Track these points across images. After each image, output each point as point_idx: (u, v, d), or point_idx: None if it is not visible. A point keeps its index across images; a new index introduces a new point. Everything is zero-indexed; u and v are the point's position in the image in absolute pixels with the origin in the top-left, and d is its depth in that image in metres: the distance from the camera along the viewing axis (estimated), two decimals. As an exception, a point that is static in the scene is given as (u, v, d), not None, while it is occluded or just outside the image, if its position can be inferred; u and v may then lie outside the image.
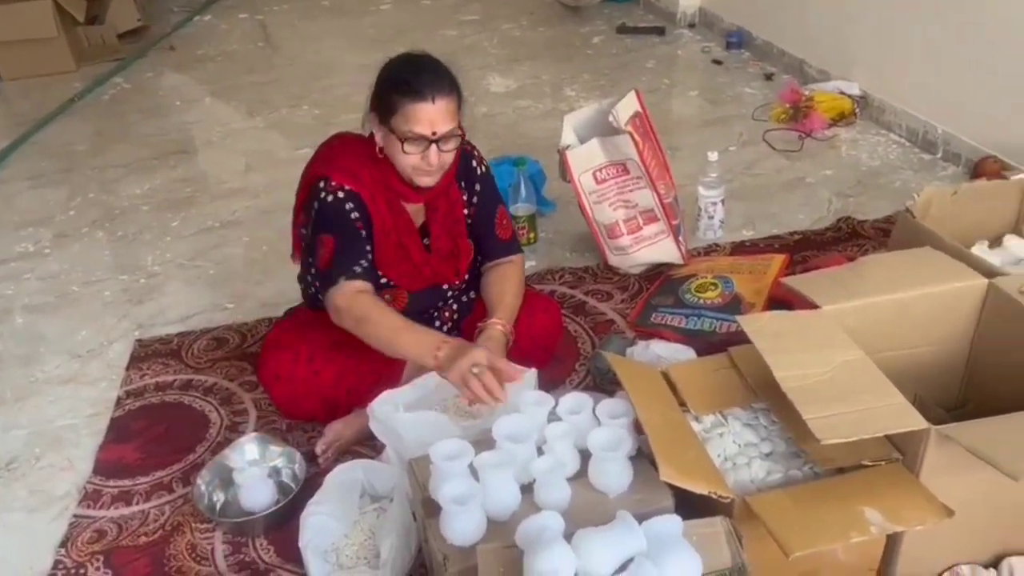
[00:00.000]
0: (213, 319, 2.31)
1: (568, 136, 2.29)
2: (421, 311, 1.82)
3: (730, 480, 1.43)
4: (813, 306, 1.55)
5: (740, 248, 2.45)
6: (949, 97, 2.82)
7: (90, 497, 1.74)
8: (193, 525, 1.64)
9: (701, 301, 2.13)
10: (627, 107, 2.29)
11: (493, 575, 1.18)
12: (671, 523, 1.18)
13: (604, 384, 1.93)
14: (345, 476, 1.61)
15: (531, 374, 1.66)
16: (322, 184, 1.67)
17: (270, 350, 1.83)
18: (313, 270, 1.73)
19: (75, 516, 1.69)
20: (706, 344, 1.96)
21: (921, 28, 2.89)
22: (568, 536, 1.17)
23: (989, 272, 1.58)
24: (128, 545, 1.62)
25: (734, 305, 2.10)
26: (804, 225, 2.56)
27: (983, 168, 2.60)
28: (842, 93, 3.22)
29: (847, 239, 2.45)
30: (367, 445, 1.77)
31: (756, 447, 1.49)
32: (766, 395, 1.47)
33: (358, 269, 1.65)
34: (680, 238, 2.32)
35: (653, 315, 2.14)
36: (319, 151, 1.76)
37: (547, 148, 2.61)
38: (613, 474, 1.34)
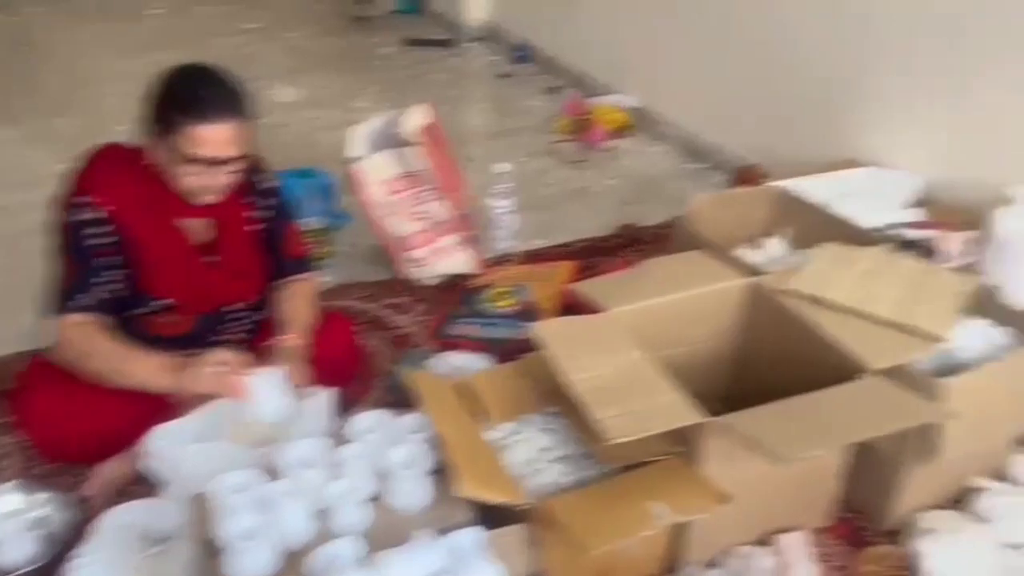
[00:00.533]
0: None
1: (356, 148, 2.25)
2: (207, 333, 1.71)
3: (529, 486, 1.45)
4: (600, 310, 1.61)
5: (532, 256, 2.51)
6: (714, 110, 3.06)
7: None
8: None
9: (497, 310, 2.16)
10: (417, 118, 2.28)
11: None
12: (471, 536, 1.18)
13: (404, 399, 1.90)
14: (119, 520, 1.47)
15: (326, 396, 1.60)
16: (74, 201, 1.52)
17: (28, 387, 1.64)
18: None
19: None
20: (504, 352, 1.98)
21: (686, 45, 3.12)
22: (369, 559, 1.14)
23: (752, 272, 1.72)
24: None
25: (529, 312, 2.14)
26: (590, 232, 2.66)
27: (743, 176, 2.83)
28: (620, 106, 3.40)
29: (629, 244, 2.58)
30: (144, 484, 1.62)
31: (551, 451, 1.52)
32: (558, 400, 1.50)
33: (85, 301, 1.52)
34: (475, 248, 2.34)
35: (451, 326, 2.14)
36: (79, 164, 1.60)
37: (340, 160, 2.55)
38: (412, 492, 1.32)
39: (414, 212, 2.24)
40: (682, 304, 1.66)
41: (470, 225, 2.34)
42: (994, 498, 1.58)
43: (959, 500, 1.63)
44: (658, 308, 1.64)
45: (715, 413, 1.37)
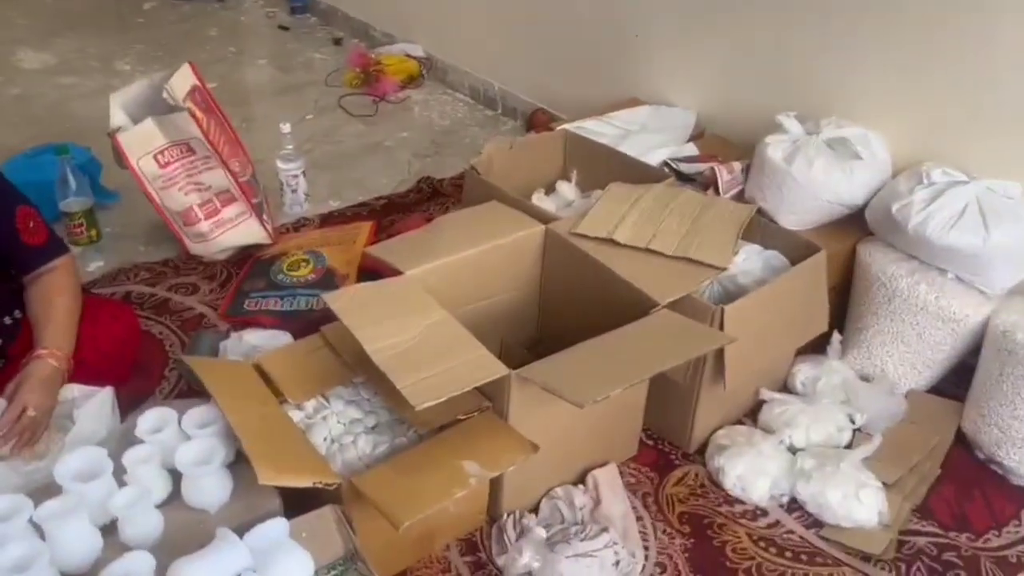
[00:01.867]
0: None
1: (118, 117, 2.04)
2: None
3: (338, 462, 1.40)
4: (397, 272, 1.57)
5: (329, 219, 2.41)
6: (500, 57, 3.05)
7: None
8: None
9: (294, 280, 2.06)
10: (183, 81, 2.10)
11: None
12: (276, 528, 1.12)
13: (201, 387, 1.78)
14: None
15: (103, 396, 1.46)
16: None
17: None
18: None
19: None
20: (305, 324, 1.89)
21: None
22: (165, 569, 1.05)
23: (545, 218, 1.73)
24: None
25: (328, 279, 2.06)
26: (388, 189, 2.59)
27: (534, 120, 2.86)
28: (408, 56, 3.31)
29: (429, 199, 2.54)
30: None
31: (361, 422, 1.48)
32: (363, 369, 1.45)
33: None
34: (264, 216, 2.21)
35: (246, 302, 2.02)
36: None
37: (101, 131, 2.32)
38: (209, 489, 1.23)
39: (190, 184, 2.08)
40: (479, 258, 1.64)
41: (256, 192, 2.20)
42: (776, 408, 1.71)
43: (754, 412, 1.75)
44: (455, 264, 1.61)
45: (524, 361, 1.37)
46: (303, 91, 3.22)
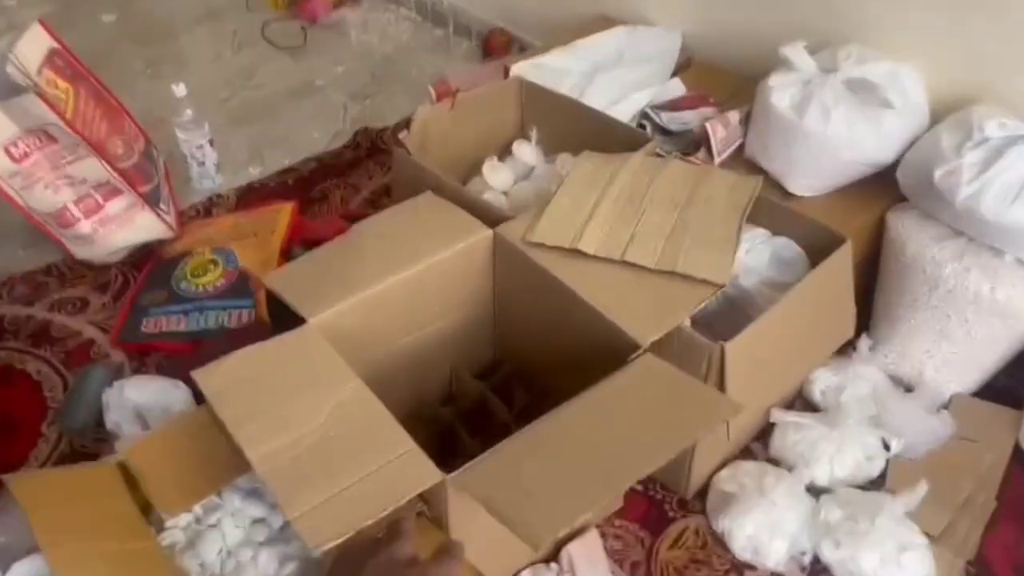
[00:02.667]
0: None
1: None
2: None
3: (236, 591, 1.09)
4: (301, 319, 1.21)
5: (247, 196, 2.01)
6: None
7: None
8: None
9: (200, 289, 1.69)
10: (33, 46, 1.67)
11: None
12: None
13: (88, 445, 1.45)
14: None
15: None
16: None
17: None
18: None
19: None
20: (217, 349, 1.54)
21: None
22: None
23: (494, 217, 1.35)
24: None
25: (241, 285, 1.69)
26: (320, 146, 2.18)
27: (490, 43, 2.42)
28: (341, -33, 2.81)
29: (368, 156, 2.13)
30: None
31: (265, 524, 1.16)
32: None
33: None
34: (161, 206, 1.81)
35: (144, 321, 1.66)
36: None
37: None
38: None
39: (58, 178, 1.67)
40: (418, 279, 1.27)
41: (148, 175, 1.80)
42: (791, 435, 1.39)
43: (764, 433, 1.44)
44: (386, 293, 1.25)
45: (472, 396, 1.03)
46: (221, 19, 2.73)
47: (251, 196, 2.00)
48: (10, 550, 1.04)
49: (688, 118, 1.63)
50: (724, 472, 1.37)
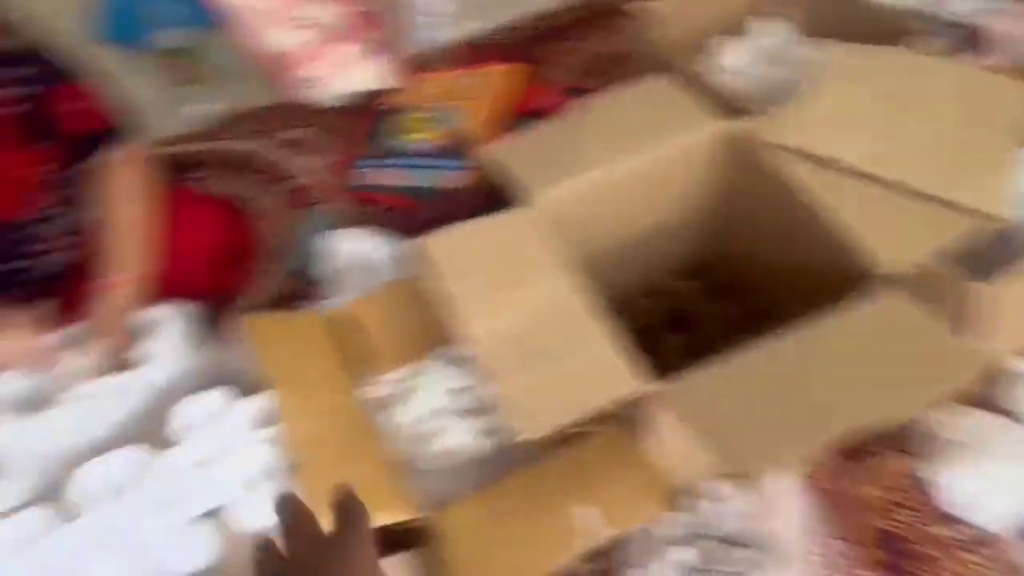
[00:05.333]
0: None
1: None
2: (12, 246, 1.31)
3: (430, 455, 1.13)
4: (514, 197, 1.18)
5: (463, 52, 1.96)
6: None
7: None
8: None
9: (415, 144, 1.70)
10: None
11: None
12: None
13: (302, 288, 1.53)
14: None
15: (177, 318, 1.25)
16: None
17: None
18: None
19: None
20: (431, 209, 1.57)
21: None
22: None
23: (732, 109, 1.24)
24: None
25: (458, 146, 1.68)
26: (548, 6, 2.07)
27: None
28: None
29: (591, 21, 2.00)
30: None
31: (463, 396, 1.18)
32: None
33: None
34: (386, 54, 1.81)
35: (361, 172, 1.70)
36: None
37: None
38: (260, 517, 1.00)
39: (295, 19, 1.70)
40: (633, 172, 1.21)
41: (375, 23, 1.79)
42: (1035, 391, 1.24)
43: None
44: (599, 183, 1.19)
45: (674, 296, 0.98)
46: None
47: (467, 56, 1.96)
48: (238, 379, 1.12)
49: (976, 7, 1.40)
50: (943, 415, 1.25)
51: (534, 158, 1.23)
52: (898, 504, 1.22)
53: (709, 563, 1.12)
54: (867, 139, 1.14)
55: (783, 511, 1.18)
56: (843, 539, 1.18)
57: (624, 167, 1.20)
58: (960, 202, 1.05)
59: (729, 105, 1.24)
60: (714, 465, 0.87)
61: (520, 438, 0.92)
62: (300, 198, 1.68)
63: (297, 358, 1.09)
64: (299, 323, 1.17)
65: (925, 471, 1.22)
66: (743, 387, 0.93)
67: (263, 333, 1.09)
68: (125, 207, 1.29)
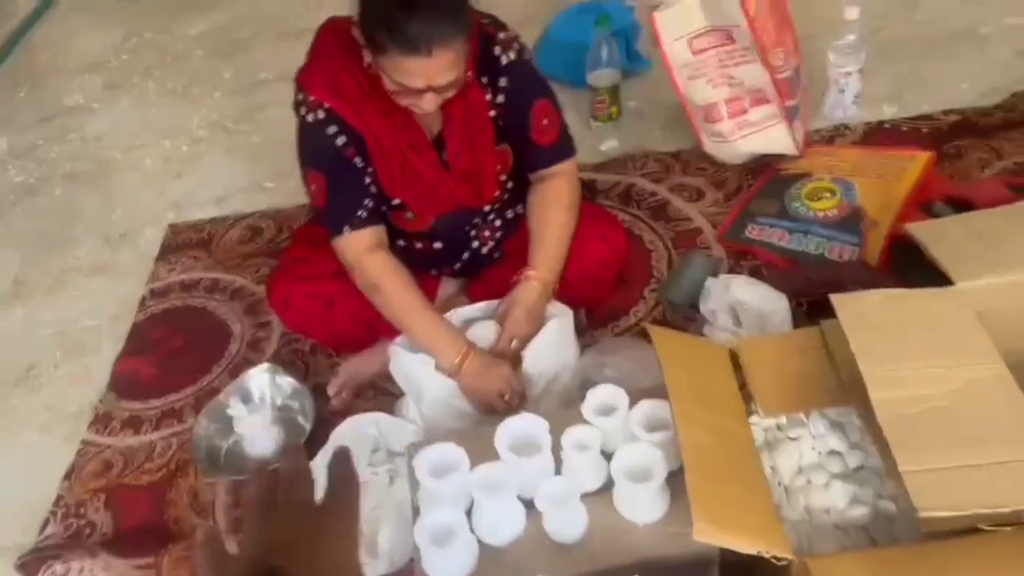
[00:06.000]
0: (251, 201, 2.09)
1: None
2: (452, 233, 1.53)
3: (800, 506, 1.13)
4: (944, 278, 1.15)
5: (876, 133, 1.95)
6: None
7: (100, 420, 1.63)
8: (198, 466, 1.51)
9: (812, 213, 1.71)
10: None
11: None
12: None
13: (677, 319, 1.61)
14: (353, 432, 1.41)
15: (561, 320, 1.38)
16: (300, 98, 1.35)
17: (278, 274, 1.58)
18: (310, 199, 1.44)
19: (83, 442, 1.60)
20: (806, 276, 1.57)
21: None
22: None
23: None
24: (131, 484, 1.51)
25: (853, 221, 1.68)
26: (968, 99, 2.00)
27: None
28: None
29: (1021, 123, 1.91)
30: (391, 382, 1.54)
31: (841, 459, 1.17)
32: (863, 396, 1.12)
33: (363, 214, 1.37)
34: (796, 122, 1.85)
35: (749, 226, 1.75)
36: (314, 38, 1.41)
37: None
38: (641, 505, 1.07)
39: (721, 76, 1.80)
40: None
41: (794, 92, 1.84)
42: None
43: None
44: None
45: None
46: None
47: (878, 135, 1.94)
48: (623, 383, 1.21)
49: None
50: None
51: (959, 244, 1.20)
52: None
53: None
54: None
55: None
56: None
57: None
58: None
59: None
60: None
61: (922, 515, 0.90)
62: (684, 240, 1.77)
63: (698, 375, 1.14)
64: (703, 346, 1.24)
65: None
66: None
67: (669, 347, 1.16)
68: (556, 213, 1.45)
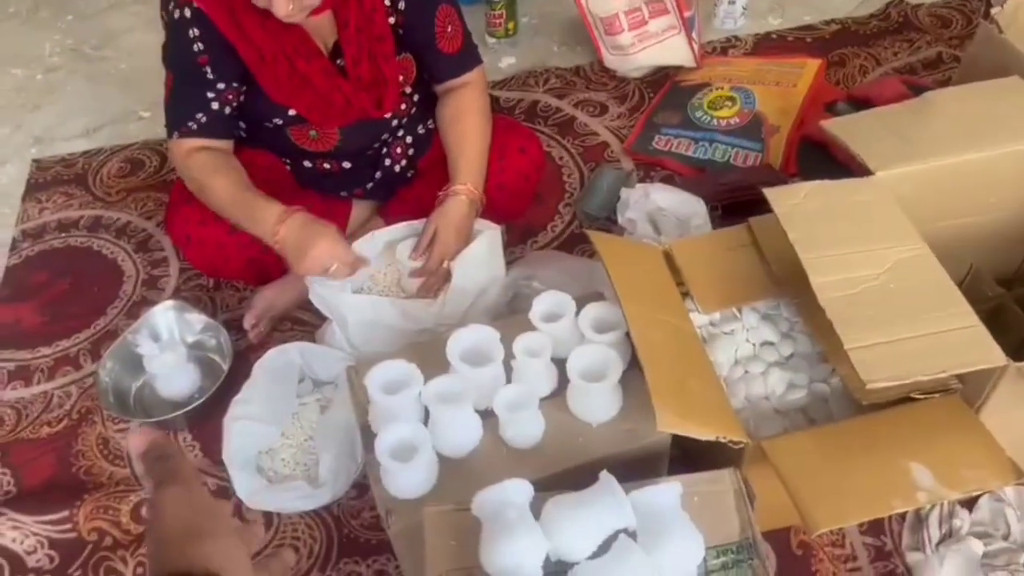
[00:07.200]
0: (126, 132, 1.92)
1: None
2: (360, 151, 1.46)
3: (740, 395, 1.18)
4: (862, 168, 1.21)
5: (764, 43, 2.01)
6: None
7: (-17, 374, 1.48)
8: (104, 413, 1.40)
9: (714, 121, 1.75)
10: None
11: (442, 547, 0.95)
12: (667, 494, 0.93)
13: (595, 232, 1.61)
14: (278, 362, 1.35)
15: (489, 236, 1.35)
16: None
17: (176, 203, 1.46)
18: None
19: (-33, 401, 1.45)
20: (715, 183, 1.61)
21: None
22: (540, 496, 0.93)
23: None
24: (28, 438, 1.38)
25: (754, 127, 1.73)
26: (845, 10, 2.09)
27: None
28: None
29: (895, 31, 2.01)
30: (309, 311, 1.48)
31: (775, 349, 1.22)
32: (794, 288, 1.16)
33: (193, 125, 1.32)
34: (693, 34, 1.87)
35: (655, 138, 1.77)
36: None
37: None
38: (596, 405, 1.08)
39: (623, -14, 1.79)
40: (977, 166, 1.21)
41: (690, 2, 1.86)
42: None
43: None
44: (939, 172, 1.20)
45: (990, 300, 1.03)
46: None
47: (767, 45, 2.00)
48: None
49: None
50: None
51: (873, 138, 1.26)
52: None
53: (1006, 564, 1.11)
54: None
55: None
56: None
57: (969, 159, 1.20)
58: None
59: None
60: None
61: (869, 387, 0.95)
62: (593, 154, 1.77)
63: (640, 276, 1.15)
64: (641, 248, 1.25)
65: None
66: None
67: (611, 250, 1.16)
68: (472, 125, 1.41)
